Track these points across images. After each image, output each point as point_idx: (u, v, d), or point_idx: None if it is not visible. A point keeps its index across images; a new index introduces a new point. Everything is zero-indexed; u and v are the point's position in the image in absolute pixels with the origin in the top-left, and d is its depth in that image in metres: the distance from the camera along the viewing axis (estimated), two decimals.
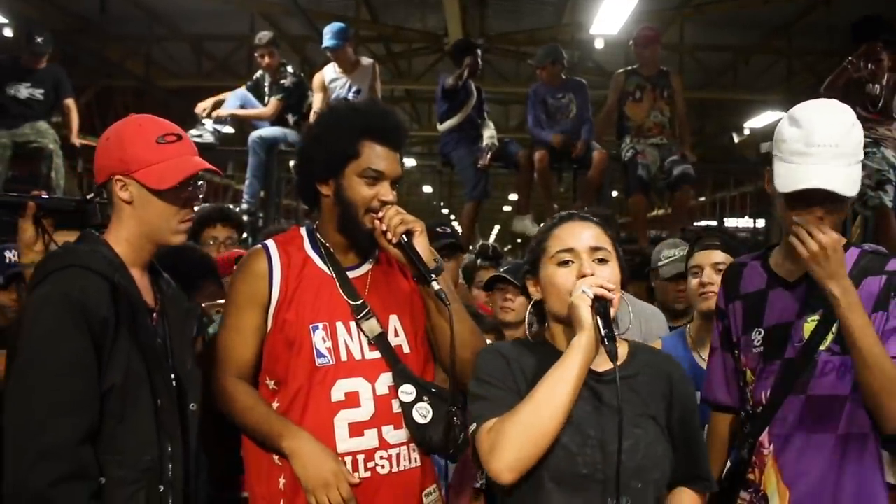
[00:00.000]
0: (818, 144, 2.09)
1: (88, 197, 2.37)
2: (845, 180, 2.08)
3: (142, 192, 2.05)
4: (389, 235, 2.20)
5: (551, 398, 1.80)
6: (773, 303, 2.29)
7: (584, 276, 1.89)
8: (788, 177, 2.12)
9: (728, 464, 2.36)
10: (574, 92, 7.29)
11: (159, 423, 1.99)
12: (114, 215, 2.10)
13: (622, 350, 1.98)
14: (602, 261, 1.94)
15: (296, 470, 2.15)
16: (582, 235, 1.96)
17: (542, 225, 2.11)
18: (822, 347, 2.19)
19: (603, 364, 1.91)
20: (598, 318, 1.82)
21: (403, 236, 2.19)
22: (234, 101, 7.47)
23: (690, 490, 1.99)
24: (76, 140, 7.83)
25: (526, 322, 2.11)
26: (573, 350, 1.83)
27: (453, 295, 2.29)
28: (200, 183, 2.15)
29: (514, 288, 3.51)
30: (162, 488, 1.97)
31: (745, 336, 2.34)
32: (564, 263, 1.94)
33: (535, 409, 1.79)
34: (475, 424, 1.88)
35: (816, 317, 2.20)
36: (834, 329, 2.16)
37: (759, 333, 2.29)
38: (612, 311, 1.84)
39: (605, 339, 1.81)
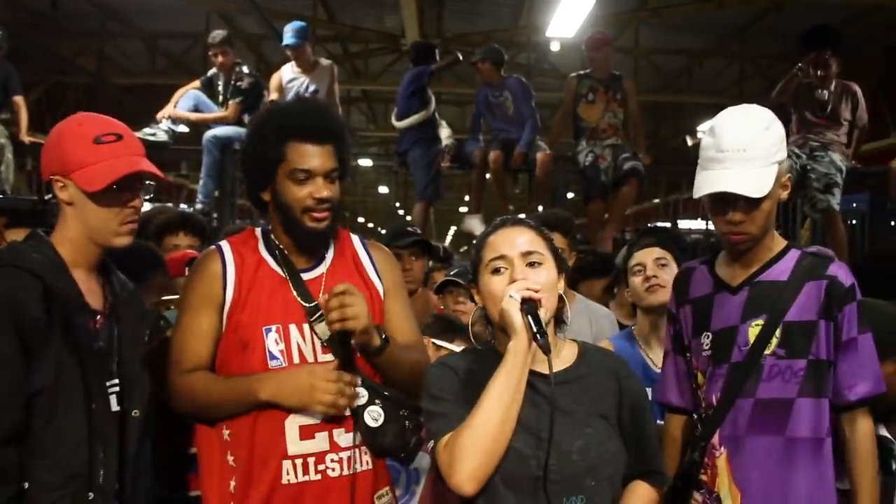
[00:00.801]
0: (726, 150, 2.18)
1: (46, 198, 2.35)
2: (753, 182, 2.16)
3: (79, 193, 2.02)
4: (325, 326, 2.19)
5: (498, 404, 1.83)
6: (718, 307, 2.33)
7: (514, 281, 1.92)
8: (700, 182, 2.24)
9: (681, 464, 2.40)
10: (510, 90, 7.34)
11: (92, 428, 1.95)
12: (59, 215, 2.08)
13: (572, 351, 2.04)
14: (534, 264, 1.96)
15: (287, 406, 2.13)
16: (514, 242, 1.98)
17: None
18: (767, 351, 2.24)
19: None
20: (529, 318, 1.85)
21: (339, 332, 2.17)
22: (186, 101, 7.38)
23: (645, 482, 2.02)
24: (25, 137, 7.70)
25: (470, 329, 2.12)
26: (510, 355, 1.87)
27: (394, 342, 2.28)
28: (149, 183, 2.11)
29: (465, 291, 3.52)
30: (92, 495, 1.94)
31: (695, 339, 2.38)
32: (497, 271, 1.96)
33: (485, 418, 1.82)
34: (433, 441, 1.90)
35: (760, 321, 2.25)
36: (778, 333, 2.23)
37: (707, 337, 2.34)
38: (542, 312, 1.88)
39: (536, 336, 1.84)
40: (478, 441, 1.81)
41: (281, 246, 2.31)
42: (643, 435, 2.03)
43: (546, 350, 1.85)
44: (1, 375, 1.83)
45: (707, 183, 2.21)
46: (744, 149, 2.17)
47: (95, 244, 2.06)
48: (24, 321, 1.85)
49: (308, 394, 2.12)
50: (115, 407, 2.07)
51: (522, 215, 2.65)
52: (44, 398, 1.87)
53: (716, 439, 2.29)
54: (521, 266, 1.95)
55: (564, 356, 1.99)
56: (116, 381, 2.07)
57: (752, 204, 2.19)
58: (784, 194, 2.28)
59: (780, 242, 2.33)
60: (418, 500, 2.75)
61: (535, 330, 1.84)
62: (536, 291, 1.88)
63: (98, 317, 2.05)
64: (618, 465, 1.95)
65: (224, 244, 2.33)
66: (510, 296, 1.88)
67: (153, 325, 2.25)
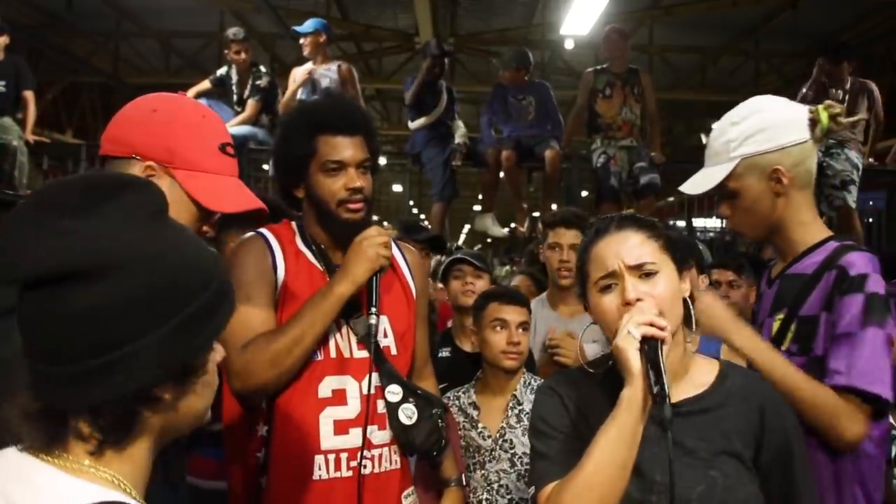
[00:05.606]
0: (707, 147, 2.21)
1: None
2: (697, 180, 2.17)
3: (174, 191, 1.70)
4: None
5: (608, 462, 1.56)
6: (763, 301, 2.27)
7: (627, 303, 1.63)
8: None
9: None
10: (534, 94, 7.32)
11: None
12: None
13: (710, 372, 1.76)
14: (648, 274, 1.66)
15: (366, 278, 2.16)
16: (621, 252, 1.68)
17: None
18: (783, 347, 2.07)
19: (676, 394, 1.67)
20: (650, 366, 1.55)
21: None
22: None
23: None
24: (30, 136, 7.62)
25: (579, 351, 1.97)
26: (623, 407, 1.57)
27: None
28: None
29: (472, 270, 3.57)
30: None
31: None
32: (607, 289, 1.68)
33: (592, 479, 1.56)
34: (534, 487, 1.70)
35: (781, 315, 2.12)
36: (792, 328, 2.07)
37: None
38: (666, 349, 1.57)
39: (654, 391, 1.54)
40: (583, 502, 1.57)
41: (318, 241, 2.30)
42: (792, 485, 1.67)
43: (667, 423, 1.54)
44: None
45: None
46: (708, 146, 2.17)
47: None
48: None
49: (366, 255, 2.15)
50: None
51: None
52: None
53: None
54: (633, 280, 1.65)
55: (697, 379, 1.71)
56: None
57: (728, 200, 2.16)
58: (779, 188, 2.07)
59: (816, 235, 2.14)
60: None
61: (652, 383, 1.53)
62: (661, 327, 1.57)
63: None
64: None
65: (265, 231, 2.29)
66: (628, 331, 1.57)
67: None
